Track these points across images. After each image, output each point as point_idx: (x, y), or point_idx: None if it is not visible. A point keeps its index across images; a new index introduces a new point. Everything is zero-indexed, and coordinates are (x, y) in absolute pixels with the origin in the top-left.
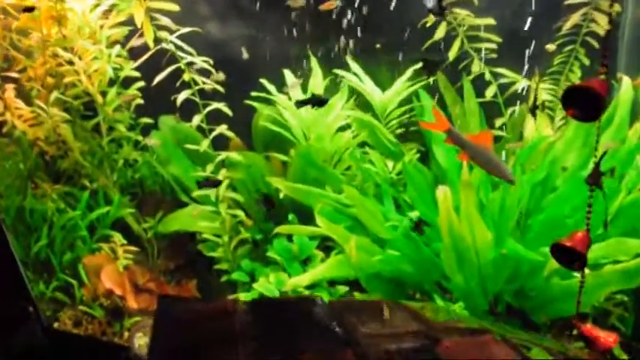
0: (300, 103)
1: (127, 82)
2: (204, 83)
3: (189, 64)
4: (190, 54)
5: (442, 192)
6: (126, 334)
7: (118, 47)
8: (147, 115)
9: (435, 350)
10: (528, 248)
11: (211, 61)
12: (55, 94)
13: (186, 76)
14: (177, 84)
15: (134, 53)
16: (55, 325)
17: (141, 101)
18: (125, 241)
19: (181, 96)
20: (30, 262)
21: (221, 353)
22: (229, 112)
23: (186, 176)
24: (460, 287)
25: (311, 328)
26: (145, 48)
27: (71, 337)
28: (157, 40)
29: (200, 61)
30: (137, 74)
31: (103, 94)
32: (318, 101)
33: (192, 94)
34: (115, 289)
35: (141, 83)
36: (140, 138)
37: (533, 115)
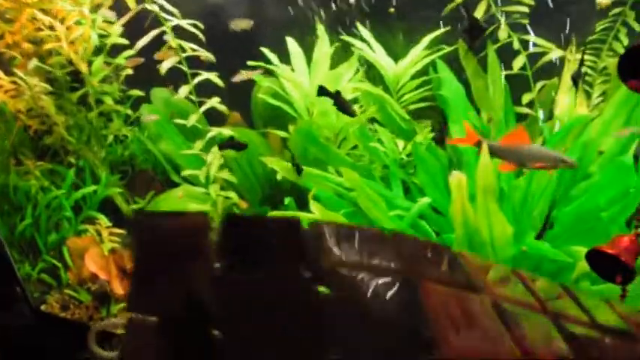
0: (322, 91)
1: (115, 50)
2: (193, 50)
3: (175, 28)
4: (175, 16)
5: (456, 178)
6: (112, 320)
7: (103, 11)
8: (138, 87)
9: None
10: (553, 244)
11: (201, 25)
12: (33, 62)
13: (172, 42)
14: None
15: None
16: (43, 307)
17: (130, 71)
18: (111, 224)
19: (165, 64)
20: (15, 242)
21: (191, 271)
22: (220, 83)
23: (178, 154)
24: None
25: (280, 250)
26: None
27: (60, 320)
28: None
29: (187, 25)
30: (125, 42)
31: (89, 63)
32: (340, 104)
33: (179, 62)
34: (99, 274)
35: (130, 52)
36: (130, 112)
37: (576, 85)
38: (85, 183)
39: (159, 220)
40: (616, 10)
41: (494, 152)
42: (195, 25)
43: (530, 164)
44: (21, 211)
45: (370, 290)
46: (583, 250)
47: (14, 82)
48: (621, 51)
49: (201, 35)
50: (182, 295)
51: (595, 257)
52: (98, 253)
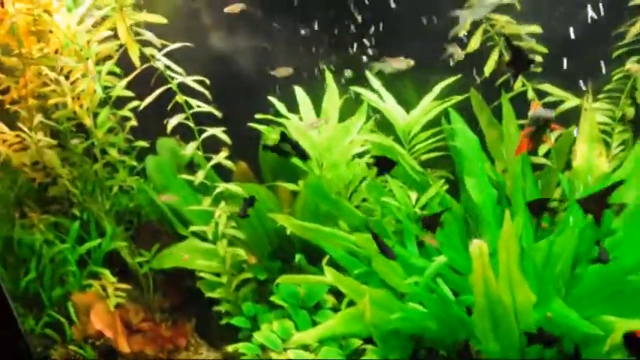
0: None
1: (120, 102)
2: (198, 106)
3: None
4: (180, 74)
5: (477, 247)
6: None
7: (108, 64)
8: (143, 138)
9: None
10: (578, 307)
11: (207, 81)
12: (38, 118)
13: (178, 98)
14: (169, 108)
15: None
16: None
17: (135, 123)
18: (116, 278)
19: (172, 121)
20: (19, 296)
21: None
22: (227, 139)
23: (184, 206)
24: (496, 354)
25: None
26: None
27: None
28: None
29: (190, 81)
30: (130, 94)
31: (95, 115)
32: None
33: (186, 118)
34: (105, 331)
35: (135, 103)
36: (135, 163)
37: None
38: (90, 236)
39: None
40: (634, 59)
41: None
42: (201, 82)
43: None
44: (25, 264)
45: None
46: (614, 321)
47: (18, 136)
48: None
49: (207, 93)
50: None
51: (633, 339)
52: (104, 309)
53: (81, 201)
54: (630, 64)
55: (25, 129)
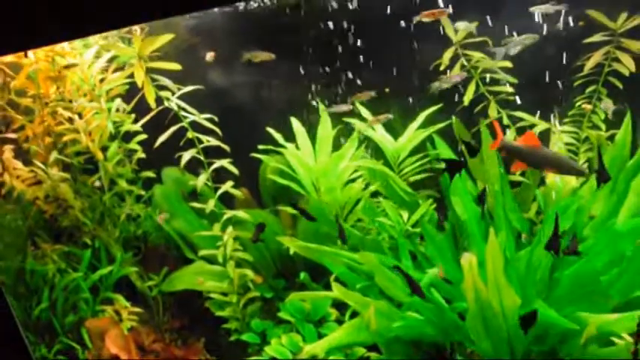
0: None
1: (128, 136)
2: (208, 141)
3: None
4: (192, 114)
5: (467, 260)
6: None
7: (118, 101)
8: (149, 168)
9: None
10: (558, 307)
11: (215, 119)
12: (54, 154)
13: (189, 134)
14: (182, 143)
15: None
16: None
17: (143, 155)
18: (129, 302)
19: (186, 155)
20: (31, 325)
21: None
22: (235, 170)
23: (191, 231)
24: (487, 352)
25: None
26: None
27: None
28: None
29: (202, 119)
30: (138, 128)
31: (104, 149)
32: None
33: (197, 152)
34: (120, 354)
35: (142, 137)
36: (142, 192)
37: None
38: (101, 263)
39: None
40: (591, 88)
41: (509, 150)
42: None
43: (543, 168)
44: (36, 294)
45: None
46: (589, 317)
47: (32, 171)
48: (599, 123)
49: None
50: None
51: None
52: (117, 333)
53: (91, 230)
54: (584, 104)
55: (40, 164)
